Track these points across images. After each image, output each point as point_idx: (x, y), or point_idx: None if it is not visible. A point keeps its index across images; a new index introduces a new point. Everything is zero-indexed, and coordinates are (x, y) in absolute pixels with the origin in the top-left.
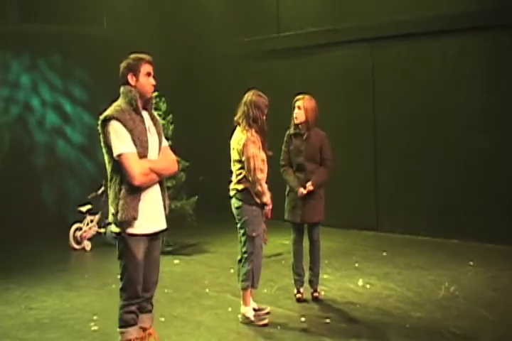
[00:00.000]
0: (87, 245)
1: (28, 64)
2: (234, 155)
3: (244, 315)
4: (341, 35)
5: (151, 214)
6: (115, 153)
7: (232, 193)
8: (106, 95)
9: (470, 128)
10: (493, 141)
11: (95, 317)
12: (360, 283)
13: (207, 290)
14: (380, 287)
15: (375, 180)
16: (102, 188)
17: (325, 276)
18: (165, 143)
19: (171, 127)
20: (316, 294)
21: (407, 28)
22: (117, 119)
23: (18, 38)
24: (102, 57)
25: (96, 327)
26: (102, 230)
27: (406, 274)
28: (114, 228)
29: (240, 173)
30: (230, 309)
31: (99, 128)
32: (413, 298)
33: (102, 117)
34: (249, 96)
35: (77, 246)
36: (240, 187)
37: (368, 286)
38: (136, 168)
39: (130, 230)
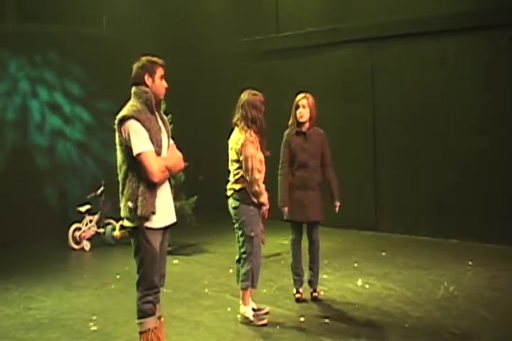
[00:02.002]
0: (86, 245)
1: (27, 64)
2: (232, 155)
3: (243, 315)
4: (340, 35)
5: (165, 209)
6: (135, 152)
7: (229, 193)
8: (105, 95)
9: (470, 128)
10: (493, 141)
11: (94, 317)
12: (360, 283)
13: (206, 290)
14: (379, 287)
15: (374, 180)
16: (102, 188)
17: (324, 276)
18: (171, 141)
19: (170, 127)
20: (315, 294)
21: (407, 27)
22: (136, 119)
23: (17, 38)
24: (101, 57)
25: (95, 327)
26: (101, 230)
27: (405, 274)
28: (128, 223)
29: (238, 173)
30: (229, 309)
31: (115, 127)
32: (412, 298)
33: (119, 117)
34: (244, 96)
35: (76, 246)
36: (238, 187)
37: (367, 286)
38: (155, 166)
39: (149, 224)
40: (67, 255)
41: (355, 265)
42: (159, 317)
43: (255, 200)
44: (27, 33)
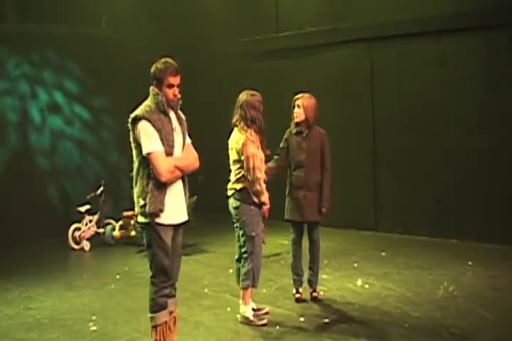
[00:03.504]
0: (86, 245)
1: (26, 63)
2: (233, 155)
3: (243, 315)
4: (340, 35)
5: (176, 207)
6: (144, 152)
7: (230, 193)
8: (105, 94)
9: (470, 128)
10: (493, 141)
11: (94, 317)
12: (359, 283)
13: (206, 290)
14: (379, 287)
15: (374, 180)
16: (101, 188)
17: (324, 276)
18: (188, 140)
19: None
20: (315, 294)
21: (406, 27)
22: (147, 119)
23: (17, 38)
24: (101, 57)
25: (95, 328)
26: (101, 230)
27: (405, 274)
28: (141, 219)
29: (239, 173)
30: (228, 309)
31: (128, 125)
32: (412, 298)
33: (132, 116)
34: (243, 97)
35: (76, 246)
36: (239, 186)
37: (367, 286)
38: (164, 166)
39: (159, 220)
40: (67, 255)
41: (355, 265)
42: (171, 312)
43: (256, 200)
44: (27, 33)
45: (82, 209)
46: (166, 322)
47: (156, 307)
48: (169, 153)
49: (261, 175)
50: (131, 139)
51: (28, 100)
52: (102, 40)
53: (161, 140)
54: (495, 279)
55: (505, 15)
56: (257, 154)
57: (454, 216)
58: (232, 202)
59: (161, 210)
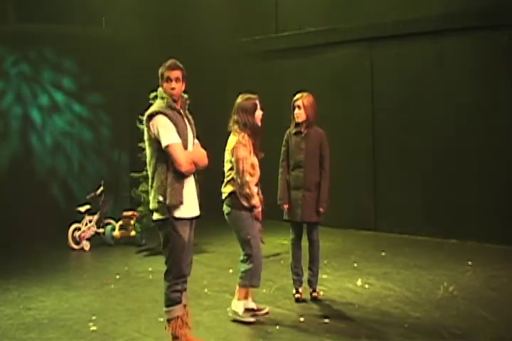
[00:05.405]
0: (86, 245)
1: (26, 63)
2: (226, 156)
3: (233, 310)
4: (340, 35)
5: (191, 201)
6: (164, 144)
7: (223, 197)
8: (106, 94)
9: (469, 128)
10: (493, 140)
11: (94, 318)
12: (359, 283)
13: (206, 290)
14: (378, 287)
15: (373, 180)
16: (101, 188)
17: (324, 276)
18: (196, 141)
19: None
20: (314, 294)
21: (406, 27)
22: (164, 114)
23: (17, 38)
24: (101, 56)
25: (95, 328)
26: (101, 230)
27: (405, 274)
28: (157, 215)
29: (230, 175)
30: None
31: (144, 123)
32: (412, 298)
33: (148, 113)
34: (238, 101)
35: (75, 246)
36: (229, 190)
37: (366, 286)
38: (182, 157)
39: (178, 214)
40: (67, 255)
41: (355, 265)
42: (185, 306)
43: (246, 204)
44: (27, 33)
45: (82, 209)
46: (179, 317)
47: (169, 302)
48: (185, 147)
49: (250, 178)
50: (146, 137)
51: (28, 100)
52: (102, 40)
53: (178, 133)
54: (494, 279)
55: (505, 15)
56: (247, 158)
57: (454, 216)
58: (225, 209)
59: (181, 202)
